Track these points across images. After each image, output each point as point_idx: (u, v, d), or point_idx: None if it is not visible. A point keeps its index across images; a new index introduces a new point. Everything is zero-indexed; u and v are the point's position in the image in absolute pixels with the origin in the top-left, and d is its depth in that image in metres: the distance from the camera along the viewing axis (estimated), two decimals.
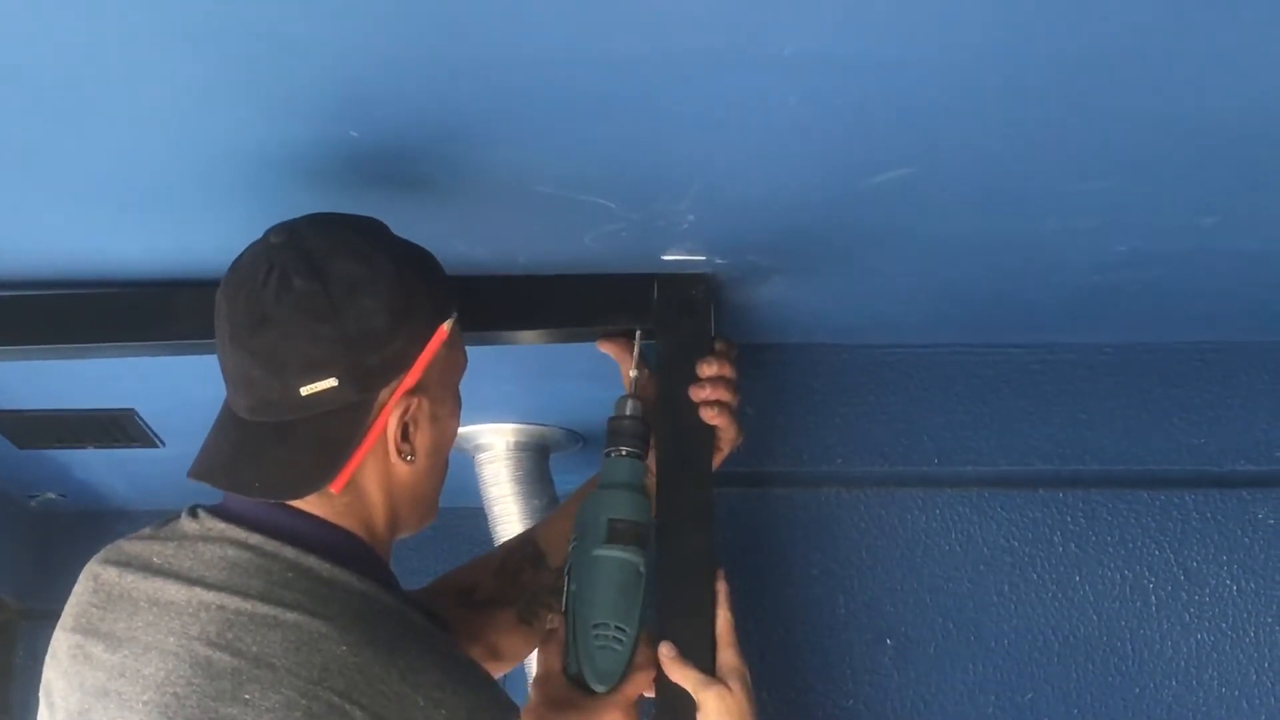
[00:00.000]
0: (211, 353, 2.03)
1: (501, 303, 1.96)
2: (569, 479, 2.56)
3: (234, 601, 1.60)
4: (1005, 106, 1.52)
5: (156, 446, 2.64)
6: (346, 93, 1.51)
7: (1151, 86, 1.47)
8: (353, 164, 1.66)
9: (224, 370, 1.68)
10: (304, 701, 1.53)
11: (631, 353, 1.94)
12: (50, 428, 2.59)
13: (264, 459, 1.65)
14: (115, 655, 1.62)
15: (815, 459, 2.16)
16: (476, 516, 2.61)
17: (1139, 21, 1.36)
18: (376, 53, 1.43)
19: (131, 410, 2.50)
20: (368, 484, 1.69)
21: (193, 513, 1.71)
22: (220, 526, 1.67)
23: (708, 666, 1.80)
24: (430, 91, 1.51)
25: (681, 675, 1.79)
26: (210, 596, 1.61)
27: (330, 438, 1.65)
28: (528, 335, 2.02)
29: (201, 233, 1.86)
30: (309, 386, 1.61)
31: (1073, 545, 2.16)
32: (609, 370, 2.02)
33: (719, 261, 1.91)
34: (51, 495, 2.98)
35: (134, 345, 2.04)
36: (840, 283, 2.01)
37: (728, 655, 1.81)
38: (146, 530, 1.73)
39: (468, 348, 1.81)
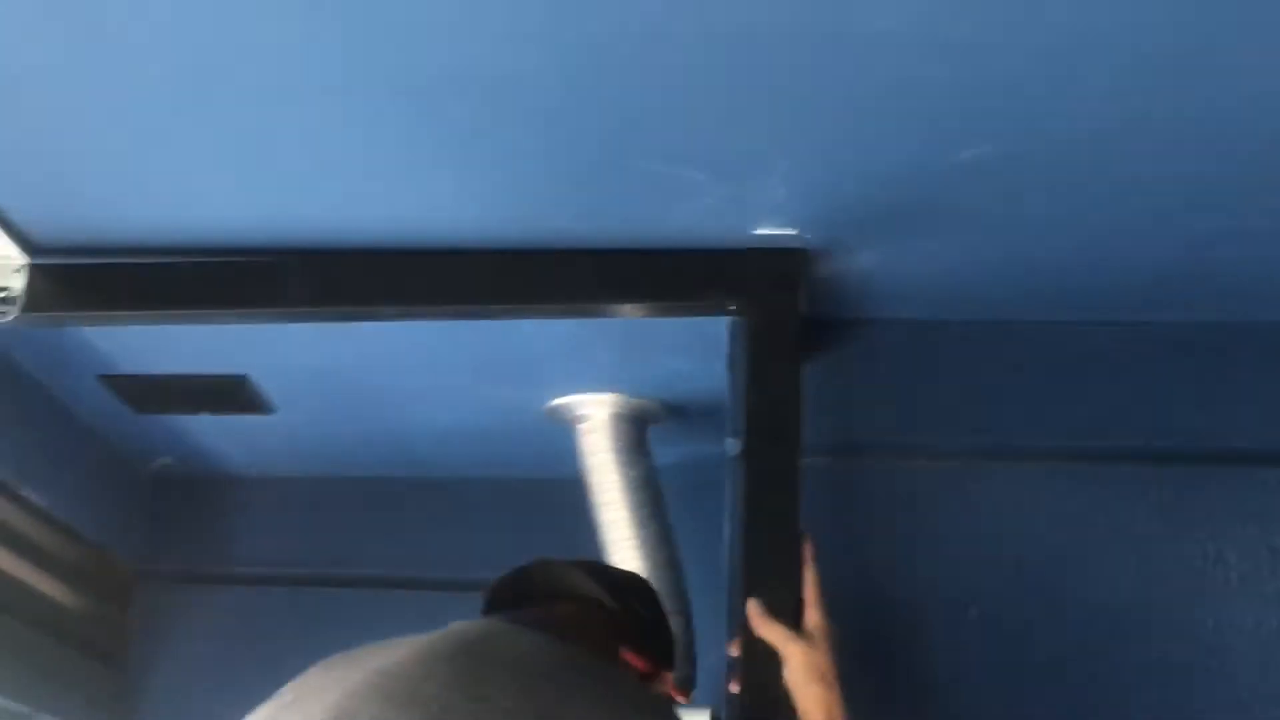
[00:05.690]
0: (322, 320, 2.10)
1: (595, 276, 2.01)
2: (665, 451, 2.61)
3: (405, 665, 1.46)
4: (1099, 91, 1.55)
5: (268, 413, 2.71)
6: (456, 72, 1.58)
7: (1245, 70, 1.51)
8: (464, 144, 1.72)
9: None
10: None
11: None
12: (166, 393, 2.67)
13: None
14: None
15: (903, 431, 2.19)
16: (575, 488, 2.65)
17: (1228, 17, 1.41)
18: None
19: (245, 376, 2.56)
20: None
21: None
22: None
23: (794, 625, 1.85)
24: (530, 66, 1.57)
25: (768, 630, 1.84)
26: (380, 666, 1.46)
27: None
28: (622, 309, 2.06)
29: (313, 203, 1.94)
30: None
31: (1156, 520, 2.16)
32: (702, 344, 2.07)
33: (809, 236, 1.95)
34: (167, 460, 3.05)
35: (247, 312, 2.10)
36: (929, 258, 2.04)
37: (814, 614, 1.86)
38: None
39: (566, 320, 1.84)
